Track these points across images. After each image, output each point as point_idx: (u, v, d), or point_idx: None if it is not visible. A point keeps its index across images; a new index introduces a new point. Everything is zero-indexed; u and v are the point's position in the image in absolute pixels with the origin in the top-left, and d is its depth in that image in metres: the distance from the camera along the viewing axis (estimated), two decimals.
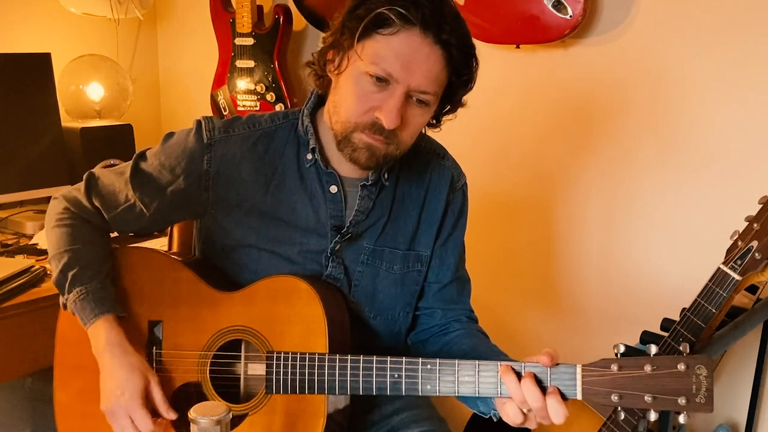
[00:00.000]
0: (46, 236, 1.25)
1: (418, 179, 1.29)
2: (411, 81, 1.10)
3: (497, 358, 1.16)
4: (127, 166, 1.25)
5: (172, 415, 1.15)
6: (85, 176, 1.27)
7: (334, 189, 1.23)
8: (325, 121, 1.22)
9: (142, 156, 1.26)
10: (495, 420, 1.12)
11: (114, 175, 1.26)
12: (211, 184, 1.24)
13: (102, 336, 1.16)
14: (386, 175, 1.25)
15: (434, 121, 1.24)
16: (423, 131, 1.25)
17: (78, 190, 1.27)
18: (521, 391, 1.00)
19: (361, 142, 1.14)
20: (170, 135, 1.26)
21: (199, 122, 1.24)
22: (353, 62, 1.13)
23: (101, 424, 1.22)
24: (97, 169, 1.29)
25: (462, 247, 1.35)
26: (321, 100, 1.26)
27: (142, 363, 1.16)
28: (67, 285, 1.18)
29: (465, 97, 1.23)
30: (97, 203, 1.25)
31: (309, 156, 1.23)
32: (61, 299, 1.22)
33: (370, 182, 1.23)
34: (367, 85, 1.11)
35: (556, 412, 0.99)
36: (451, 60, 1.13)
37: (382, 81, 1.10)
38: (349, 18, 1.12)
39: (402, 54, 1.09)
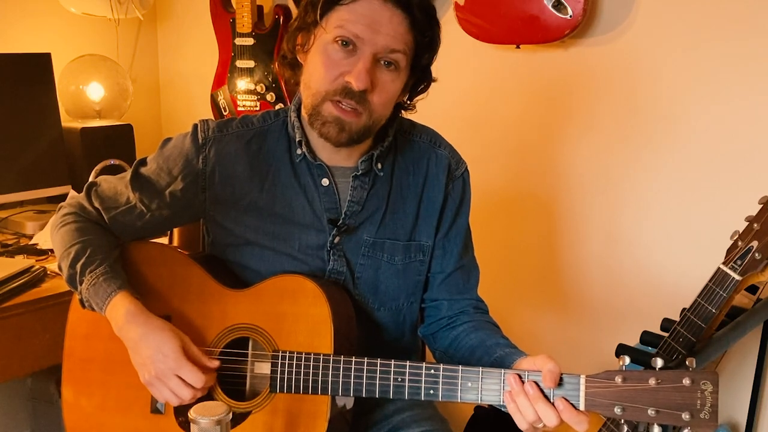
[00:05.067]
0: (52, 242, 1.26)
1: (415, 169, 1.29)
2: (377, 41, 1.12)
3: (503, 352, 1.16)
4: (128, 172, 1.28)
5: (214, 364, 1.15)
6: (86, 185, 1.30)
7: (325, 182, 1.24)
8: (304, 117, 1.23)
9: (143, 162, 1.29)
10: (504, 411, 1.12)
11: (115, 180, 1.29)
12: (207, 184, 1.25)
13: (121, 310, 1.15)
14: (380, 165, 1.26)
15: (407, 102, 1.25)
16: (400, 113, 1.26)
17: (78, 195, 1.30)
18: (536, 413, 1.00)
19: (330, 115, 1.15)
20: (168, 140, 1.29)
21: (195, 125, 1.27)
22: (319, 36, 1.15)
23: (108, 417, 1.23)
24: (99, 178, 1.31)
25: (466, 234, 1.34)
26: None
27: (169, 324, 1.16)
28: (77, 276, 1.18)
29: (436, 74, 1.24)
30: (97, 204, 1.26)
31: (298, 151, 1.24)
32: (78, 296, 1.21)
33: (360, 172, 1.24)
34: (335, 53, 1.13)
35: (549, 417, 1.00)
36: (414, 22, 1.15)
37: (349, 45, 1.12)
38: None
39: (365, 16, 1.11)
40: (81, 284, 1.18)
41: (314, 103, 1.16)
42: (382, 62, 1.14)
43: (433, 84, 1.26)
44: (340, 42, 1.12)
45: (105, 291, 1.16)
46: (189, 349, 1.14)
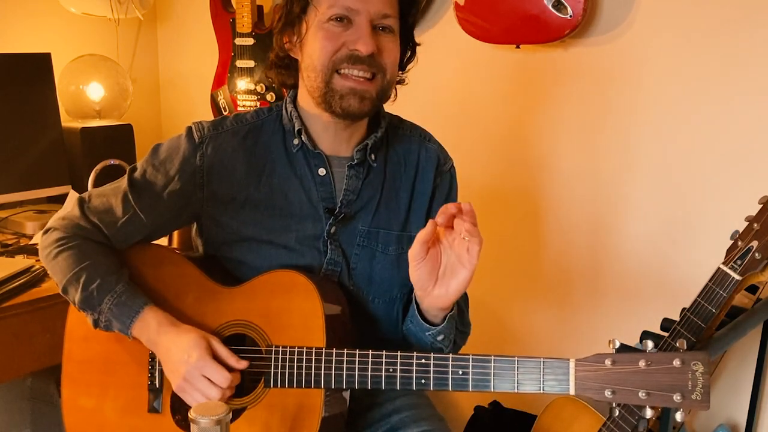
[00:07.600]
0: (50, 270, 1.24)
1: (406, 161, 1.32)
2: (370, 8, 1.16)
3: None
4: (120, 181, 1.27)
5: (243, 364, 1.16)
6: (76, 201, 1.28)
7: (322, 172, 1.26)
8: (302, 107, 1.26)
9: (134, 168, 1.28)
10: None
11: (108, 191, 1.27)
12: (205, 181, 1.26)
13: (153, 323, 1.17)
14: (373, 156, 1.28)
15: (400, 73, 1.29)
16: (395, 94, 1.28)
17: (71, 214, 1.26)
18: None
19: (345, 88, 1.18)
20: (159, 145, 1.29)
21: (189, 127, 1.28)
22: (312, 21, 1.19)
23: (107, 417, 1.24)
24: (86, 193, 1.30)
25: None
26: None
27: (196, 329, 1.17)
28: (95, 298, 1.18)
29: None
30: (95, 220, 1.24)
31: (296, 141, 1.26)
32: (92, 318, 1.20)
33: (355, 161, 1.26)
34: (332, 28, 1.17)
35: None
36: None
37: (344, 20, 1.17)
38: None
39: None
40: (100, 304, 1.18)
41: (325, 78, 1.18)
42: (379, 28, 1.18)
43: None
44: (335, 19, 1.16)
45: (131, 309, 1.17)
46: (217, 349, 1.15)
